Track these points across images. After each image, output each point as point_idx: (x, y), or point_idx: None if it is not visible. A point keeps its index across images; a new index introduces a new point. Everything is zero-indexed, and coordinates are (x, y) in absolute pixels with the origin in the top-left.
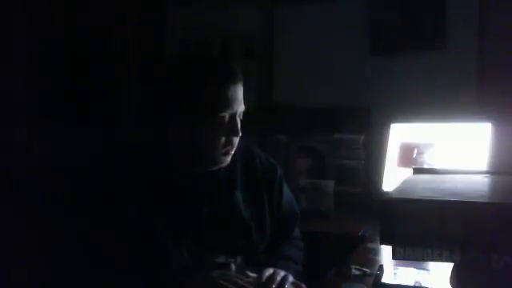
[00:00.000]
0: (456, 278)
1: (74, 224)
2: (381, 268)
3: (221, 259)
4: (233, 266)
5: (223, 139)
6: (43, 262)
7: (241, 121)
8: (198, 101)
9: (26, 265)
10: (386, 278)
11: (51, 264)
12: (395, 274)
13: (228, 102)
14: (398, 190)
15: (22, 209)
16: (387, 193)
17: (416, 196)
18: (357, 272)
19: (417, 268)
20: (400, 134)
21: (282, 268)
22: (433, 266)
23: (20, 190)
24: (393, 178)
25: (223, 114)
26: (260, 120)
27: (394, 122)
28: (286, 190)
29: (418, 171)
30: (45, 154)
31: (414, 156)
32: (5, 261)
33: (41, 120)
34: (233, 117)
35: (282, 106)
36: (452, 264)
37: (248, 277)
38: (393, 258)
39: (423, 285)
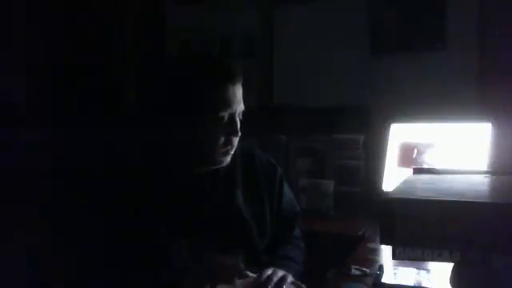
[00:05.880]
0: (456, 277)
1: (74, 224)
2: (381, 268)
3: (221, 259)
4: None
5: (223, 139)
6: (43, 261)
7: (240, 121)
8: (198, 101)
9: (24, 265)
10: (385, 278)
11: (51, 264)
12: (395, 274)
13: (227, 102)
14: (397, 189)
15: (21, 209)
16: (387, 193)
17: (416, 196)
18: (357, 272)
19: (417, 268)
20: (400, 133)
21: (282, 268)
22: (433, 266)
23: (20, 190)
24: (393, 177)
25: (222, 114)
26: (260, 120)
27: (394, 122)
28: (286, 189)
29: (417, 171)
30: (45, 154)
31: (414, 156)
32: (4, 261)
33: (41, 120)
34: (232, 117)
35: (282, 105)
36: (452, 264)
37: (248, 276)
38: (393, 258)
39: (423, 285)
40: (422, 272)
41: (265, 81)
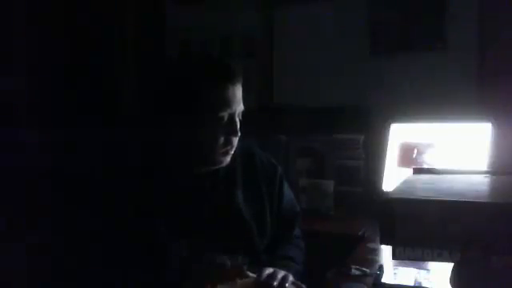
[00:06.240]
0: (456, 277)
1: (74, 224)
2: (381, 268)
3: (221, 259)
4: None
5: (222, 139)
6: (43, 261)
7: (240, 121)
8: (197, 101)
9: (24, 264)
10: (385, 278)
11: (51, 264)
12: (395, 274)
13: (227, 102)
14: (397, 189)
15: (21, 209)
16: (387, 193)
17: (416, 196)
18: (357, 272)
19: (417, 268)
20: (400, 133)
21: (282, 268)
22: (433, 266)
23: (20, 190)
24: (393, 177)
25: (222, 114)
26: (260, 120)
27: (394, 122)
28: (286, 189)
29: (417, 171)
30: (45, 154)
31: (414, 156)
32: (4, 260)
33: (41, 120)
34: (232, 117)
35: (282, 105)
36: (452, 264)
37: (248, 277)
38: (393, 258)
39: (423, 285)
40: (422, 272)
41: (265, 81)
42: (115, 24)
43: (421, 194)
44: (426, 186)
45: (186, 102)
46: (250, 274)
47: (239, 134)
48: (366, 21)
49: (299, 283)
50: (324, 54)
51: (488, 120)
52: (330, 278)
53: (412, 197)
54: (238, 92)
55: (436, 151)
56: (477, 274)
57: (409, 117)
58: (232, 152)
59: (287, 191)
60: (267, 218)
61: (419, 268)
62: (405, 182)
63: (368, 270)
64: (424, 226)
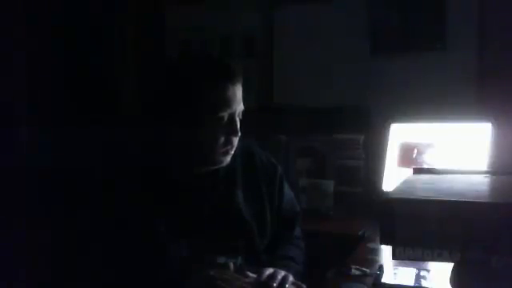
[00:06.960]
0: (456, 277)
1: (74, 224)
2: (381, 268)
3: (221, 259)
4: (232, 266)
5: (222, 139)
6: (43, 261)
7: (240, 121)
8: (197, 101)
9: (24, 264)
10: (385, 278)
11: (50, 263)
12: (395, 274)
13: (227, 102)
14: (397, 189)
15: (21, 209)
16: (387, 193)
17: (416, 196)
18: (357, 272)
19: (417, 268)
20: (400, 133)
21: (283, 268)
22: (433, 266)
23: (20, 190)
24: (393, 177)
25: (222, 114)
26: (260, 120)
27: (394, 122)
28: (286, 188)
29: (417, 171)
30: (45, 154)
31: (414, 156)
32: (5, 260)
33: (41, 120)
34: (232, 117)
35: (282, 105)
36: (452, 264)
37: (248, 277)
38: (393, 258)
39: (423, 285)
40: (422, 272)
41: (265, 81)
42: (115, 24)
43: (421, 194)
44: (426, 185)
45: (186, 102)
46: (250, 274)
47: (239, 133)
48: (366, 21)
49: (299, 283)
50: (324, 54)
51: (488, 120)
52: (330, 277)
53: (412, 197)
54: (238, 92)
55: (436, 151)
56: (477, 274)
57: (409, 117)
58: (232, 152)
59: (287, 191)
60: (267, 218)
61: (419, 268)
62: (405, 182)
63: (368, 270)
64: (424, 225)
